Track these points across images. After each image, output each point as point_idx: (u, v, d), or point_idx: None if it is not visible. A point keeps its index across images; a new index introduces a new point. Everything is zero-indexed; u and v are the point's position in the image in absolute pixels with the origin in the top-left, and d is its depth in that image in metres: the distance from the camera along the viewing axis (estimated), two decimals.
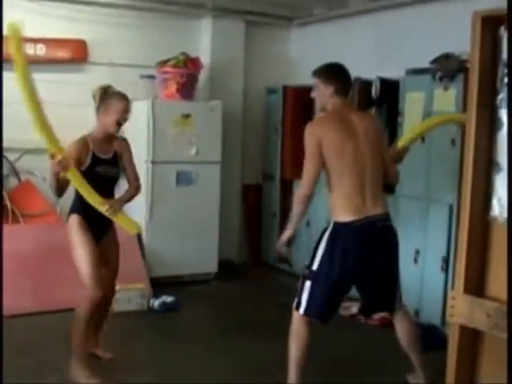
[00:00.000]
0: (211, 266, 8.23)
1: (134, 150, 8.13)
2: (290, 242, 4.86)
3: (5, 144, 7.57)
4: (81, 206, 5.12)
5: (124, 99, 5.34)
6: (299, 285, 4.81)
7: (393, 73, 6.93)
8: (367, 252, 4.70)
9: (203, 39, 8.82)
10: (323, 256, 4.68)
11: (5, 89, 7.30)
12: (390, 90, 6.89)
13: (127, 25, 8.29)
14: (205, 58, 8.47)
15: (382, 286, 4.93)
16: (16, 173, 7.81)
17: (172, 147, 7.85)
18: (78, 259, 5.10)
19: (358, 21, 8.18)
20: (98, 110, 5.27)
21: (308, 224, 8.12)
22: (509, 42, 3.26)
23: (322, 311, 4.81)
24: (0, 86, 5.48)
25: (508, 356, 3.46)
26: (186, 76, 8.01)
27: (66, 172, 4.80)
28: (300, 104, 8.32)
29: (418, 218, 6.59)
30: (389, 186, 5.33)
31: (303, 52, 9.16)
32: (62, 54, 7.93)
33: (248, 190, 9.07)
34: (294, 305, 4.84)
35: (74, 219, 5.14)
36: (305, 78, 8.70)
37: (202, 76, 8.37)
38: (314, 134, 4.71)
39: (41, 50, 7.79)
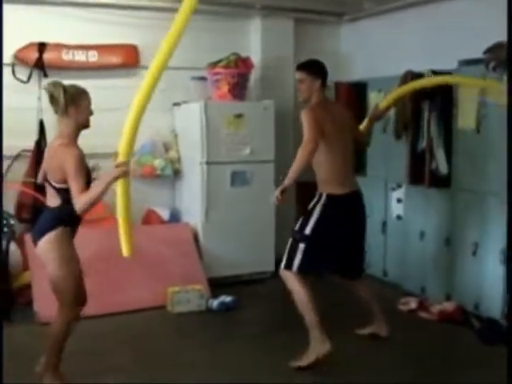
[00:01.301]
0: (268, 264, 8.22)
1: (188, 152, 8.25)
2: (283, 192, 5.50)
3: None
4: (67, 217, 4.84)
5: (87, 93, 4.99)
6: (289, 247, 5.65)
7: (445, 64, 6.86)
8: (350, 219, 5.74)
9: (253, 39, 8.83)
10: (317, 222, 5.56)
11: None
12: None
13: None
14: (255, 58, 8.48)
15: (357, 249, 5.96)
16: None
17: (226, 148, 7.87)
18: (64, 275, 4.86)
19: (408, 14, 8.12)
20: (65, 109, 4.81)
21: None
22: (509, 41, 3.21)
23: (317, 267, 5.72)
24: (0, 86, 5.51)
25: (508, 355, 3.44)
26: (238, 76, 8.03)
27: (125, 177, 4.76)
28: (352, 100, 8.29)
29: (475, 210, 6.52)
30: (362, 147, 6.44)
31: (354, 47, 9.13)
32: (113, 59, 8.00)
33: (303, 188, 9.00)
34: (284, 265, 5.65)
35: (60, 232, 4.85)
36: (357, 73, 8.76)
37: (253, 75, 8.39)
38: (314, 117, 5.51)
39: (93, 57, 7.88)
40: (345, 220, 5.69)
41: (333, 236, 5.63)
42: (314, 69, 5.78)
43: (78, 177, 4.64)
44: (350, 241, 5.81)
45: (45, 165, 4.99)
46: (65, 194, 4.75)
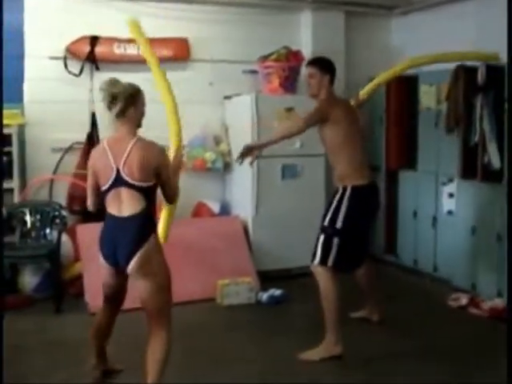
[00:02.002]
0: None
1: (238, 145, 8.24)
2: (250, 149, 5.94)
3: None
4: (154, 221, 4.66)
5: (143, 92, 4.66)
6: (323, 242, 5.63)
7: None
8: (370, 210, 5.96)
9: (303, 32, 8.80)
10: (346, 215, 5.59)
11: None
12: (497, 76, 6.75)
13: (227, 21, 8.36)
14: (306, 51, 8.45)
15: (367, 237, 6.19)
16: None
17: None
18: (166, 290, 4.54)
19: (460, 6, 8.03)
20: (124, 110, 4.50)
21: (415, 214, 8.05)
22: (509, 41, 3.15)
23: (350, 260, 5.82)
24: (0, 85, 5.56)
25: (508, 355, 3.40)
26: (288, 69, 8.02)
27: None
28: (404, 93, 8.25)
29: None
30: None
31: (405, 41, 9.06)
32: (165, 52, 8.02)
33: None
34: (319, 261, 5.63)
35: (156, 240, 4.52)
36: None
37: (304, 69, 8.37)
38: (326, 109, 5.67)
39: None
40: (367, 211, 5.87)
41: (360, 227, 5.80)
42: (324, 64, 5.88)
43: (170, 173, 4.58)
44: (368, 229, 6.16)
45: (109, 165, 4.43)
46: (149, 193, 4.45)
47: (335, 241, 5.59)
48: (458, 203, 7.42)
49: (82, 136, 7.71)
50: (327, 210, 5.73)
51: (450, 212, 7.56)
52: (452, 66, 7.12)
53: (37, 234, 7.26)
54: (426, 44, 8.52)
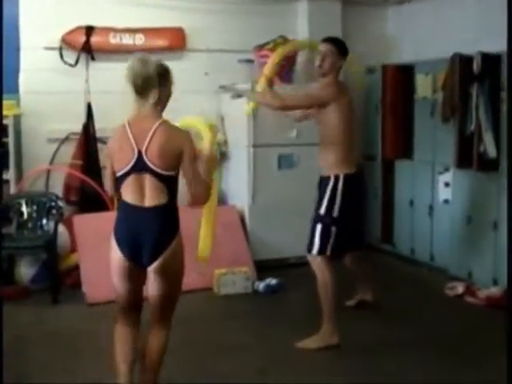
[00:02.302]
0: None
1: (235, 135, 8.26)
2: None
3: (109, 133, 7.69)
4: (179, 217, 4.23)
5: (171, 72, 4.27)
6: (321, 232, 5.60)
7: (495, 46, 6.77)
8: (359, 196, 6.05)
9: (300, 21, 8.78)
10: (342, 203, 5.56)
11: (113, 79, 7.51)
12: (492, 64, 6.74)
13: (223, 11, 8.34)
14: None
15: (360, 223, 6.33)
16: None
17: (273, 130, 7.84)
18: (179, 289, 4.32)
19: None
20: (153, 89, 4.07)
21: (412, 203, 8.06)
22: (509, 41, 3.15)
23: (347, 247, 5.94)
24: (0, 81, 5.55)
25: (508, 355, 3.40)
26: (285, 59, 8.00)
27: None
28: (400, 82, 8.24)
29: None
30: None
31: (401, 30, 9.05)
32: (160, 42, 8.03)
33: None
34: (318, 250, 5.61)
35: (181, 238, 4.16)
36: (404, 56, 8.68)
37: (300, 58, 8.35)
38: (332, 93, 5.59)
39: (140, 40, 7.93)
40: (357, 197, 5.89)
41: (353, 214, 5.76)
42: (342, 47, 5.79)
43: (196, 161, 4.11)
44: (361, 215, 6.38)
45: (130, 146, 4.00)
46: (172, 183, 4.06)
47: (333, 229, 5.59)
48: (454, 192, 7.43)
49: (78, 126, 7.71)
50: (321, 199, 5.65)
51: (446, 201, 7.57)
52: (448, 55, 7.10)
53: (33, 224, 7.26)
54: (421, 34, 8.53)
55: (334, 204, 5.58)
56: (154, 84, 4.06)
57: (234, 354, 5.43)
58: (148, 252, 4.01)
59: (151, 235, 4.00)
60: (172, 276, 4.13)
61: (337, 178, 5.59)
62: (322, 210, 5.62)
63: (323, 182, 5.69)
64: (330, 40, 5.78)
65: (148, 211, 4.02)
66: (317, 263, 5.63)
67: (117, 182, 4.12)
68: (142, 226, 4.02)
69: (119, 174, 4.05)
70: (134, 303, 4.28)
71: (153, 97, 4.07)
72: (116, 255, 4.09)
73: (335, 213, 5.58)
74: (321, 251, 5.61)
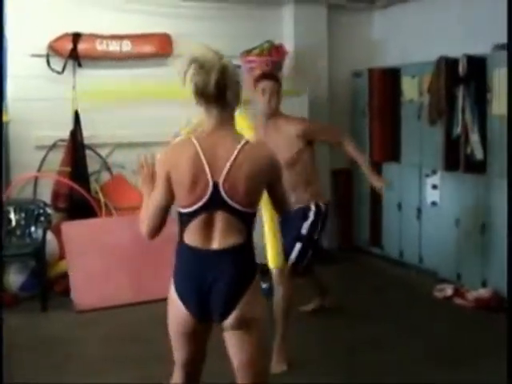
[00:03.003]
0: None
1: None
2: None
3: (96, 140, 7.78)
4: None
5: None
6: (300, 250, 5.60)
7: (480, 49, 6.82)
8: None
9: (286, 26, 8.78)
10: (320, 229, 5.68)
11: (100, 85, 7.53)
12: (477, 67, 6.77)
13: (210, 16, 8.33)
14: (288, 45, 8.45)
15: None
16: (108, 167, 7.97)
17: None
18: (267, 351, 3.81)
19: None
20: (231, 91, 3.22)
21: (400, 206, 8.08)
22: (509, 41, 3.16)
23: (307, 264, 5.78)
24: (1, 85, 5.52)
25: (508, 354, 3.41)
26: (271, 64, 8.02)
27: None
28: (386, 86, 8.26)
29: None
30: None
31: (387, 34, 9.07)
32: (147, 48, 8.01)
33: (337, 175, 9.03)
34: (290, 266, 5.53)
35: (258, 282, 3.39)
36: (390, 59, 8.71)
37: (287, 63, 8.37)
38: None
39: (127, 46, 7.90)
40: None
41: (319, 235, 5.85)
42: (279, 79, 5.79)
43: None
44: None
45: (204, 176, 3.13)
46: (251, 220, 3.37)
47: (309, 252, 5.67)
48: (442, 195, 7.46)
49: (65, 133, 7.68)
50: (303, 222, 5.64)
51: (434, 203, 7.59)
52: (434, 58, 7.13)
53: (21, 232, 7.23)
54: (407, 37, 8.55)
55: (316, 229, 5.66)
56: (230, 86, 3.21)
57: (224, 358, 5.42)
58: (219, 304, 3.20)
59: (221, 283, 3.17)
60: (255, 331, 3.27)
61: (318, 206, 5.68)
62: (305, 232, 5.64)
63: (305, 208, 5.66)
64: (272, 77, 5.73)
65: (218, 255, 3.20)
66: (286, 276, 5.43)
67: (181, 219, 3.27)
68: (209, 273, 3.19)
69: (186, 210, 3.19)
70: (198, 365, 3.53)
71: (228, 104, 3.24)
72: (178, 312, 3.28)
73: (315, 237, 5.69)
74: (294, 267, 5.57)
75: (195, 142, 3.17)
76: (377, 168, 8.38)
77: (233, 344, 3.31)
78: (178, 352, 3.40)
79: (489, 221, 6.78)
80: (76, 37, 7.70)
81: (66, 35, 7.68)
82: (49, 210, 7.28)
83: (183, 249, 3.27)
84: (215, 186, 3.10)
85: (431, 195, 7.62)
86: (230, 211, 3.15)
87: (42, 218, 7.20)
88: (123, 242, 7.00)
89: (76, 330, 6.15)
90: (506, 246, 6.46)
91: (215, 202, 3.12)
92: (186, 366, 3.44)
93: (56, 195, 7.65)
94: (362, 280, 7.66)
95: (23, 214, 7.25)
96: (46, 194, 7.62)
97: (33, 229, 7.21)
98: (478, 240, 6.91)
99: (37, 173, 7.68)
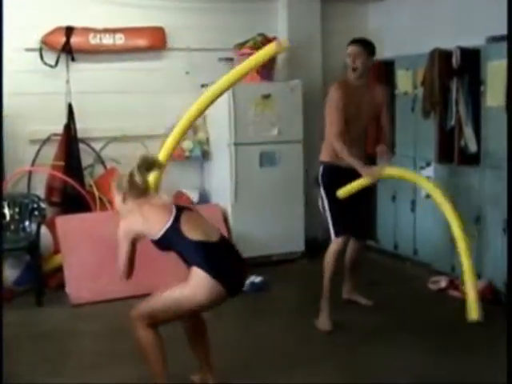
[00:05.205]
0: (298, 245, 8.24)
1: (216, 133, 8.25)
2: None
3: (90, 133, 7.77)
4: None
5: None
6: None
7: (473, 41, 6.81)
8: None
9: (279, 19, 8.77)
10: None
11: (93, 79, 7.51)
12: (471, 59, 6.77)
13: (203, 9, 8.32)
14: (283, 38, 8.43)
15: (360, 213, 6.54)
16: (102, 161, 7.97)
17: (254, 128, 7.87)
18: None
19: None
20: None
21: (394, 199, 8.08)
22: (509, 40, 3.16)
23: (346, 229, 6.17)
24: (0, 83, 5.52)
25: (508, 354, 3.42)
26: None
27: None
28: (380, 78, 8.24)
29: (506, 187, 6.47)
30: None
31: (381, 26, 9.04)
32: (140, 42, 8.01)
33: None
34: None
35: None
36: (384, 52, 8.66)
37: (281, 56, 8.36)
38: (337, 99, 6.09)
39: (120, 40, 7.90)
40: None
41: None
42: (371, 48, 6.13)
43: None
44: None
45: None
46: None
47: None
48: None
49: (59, 127, 7.69)
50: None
51: (428, 196, 7.58)
52: (428, 50, 7.13)
53: (16, 226, 7.22)
54: (401, 29, 8.54)
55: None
56: None
57: (220, 352, 5.43)
58: None
59: None
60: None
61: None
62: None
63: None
64: (361, 44, 6.09)
65: None
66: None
67: None
68: None
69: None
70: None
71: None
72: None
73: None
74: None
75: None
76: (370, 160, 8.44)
77: None
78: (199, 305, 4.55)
79: (483, 212, 6.79)
80: (69, 30, 7.70)
81: (58, 29, 7.67)
82: (43, 204, 7.28)
83: None
84: None
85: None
86: None
87: (36, 213, 7.19)
88: (116, 235, 6.98)
89: (71, 324, 6.15)
90: (500, 238, 6.49)
91: None
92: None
93: (50, 189, 7.65)
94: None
95: (17, 209, 7.24)
96: (40, 188, 7.62)
97: (27, 223, 7.20)
98: (472, 232, 6.91)
99: (31, 167, 7.68)
